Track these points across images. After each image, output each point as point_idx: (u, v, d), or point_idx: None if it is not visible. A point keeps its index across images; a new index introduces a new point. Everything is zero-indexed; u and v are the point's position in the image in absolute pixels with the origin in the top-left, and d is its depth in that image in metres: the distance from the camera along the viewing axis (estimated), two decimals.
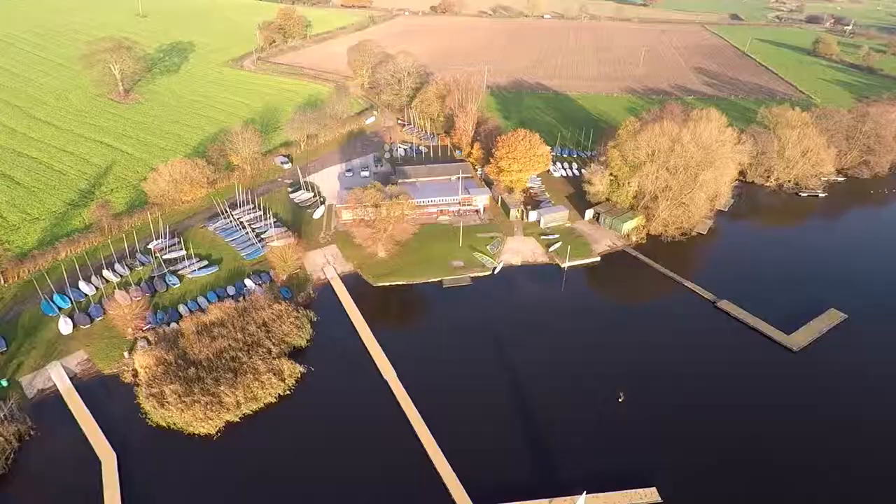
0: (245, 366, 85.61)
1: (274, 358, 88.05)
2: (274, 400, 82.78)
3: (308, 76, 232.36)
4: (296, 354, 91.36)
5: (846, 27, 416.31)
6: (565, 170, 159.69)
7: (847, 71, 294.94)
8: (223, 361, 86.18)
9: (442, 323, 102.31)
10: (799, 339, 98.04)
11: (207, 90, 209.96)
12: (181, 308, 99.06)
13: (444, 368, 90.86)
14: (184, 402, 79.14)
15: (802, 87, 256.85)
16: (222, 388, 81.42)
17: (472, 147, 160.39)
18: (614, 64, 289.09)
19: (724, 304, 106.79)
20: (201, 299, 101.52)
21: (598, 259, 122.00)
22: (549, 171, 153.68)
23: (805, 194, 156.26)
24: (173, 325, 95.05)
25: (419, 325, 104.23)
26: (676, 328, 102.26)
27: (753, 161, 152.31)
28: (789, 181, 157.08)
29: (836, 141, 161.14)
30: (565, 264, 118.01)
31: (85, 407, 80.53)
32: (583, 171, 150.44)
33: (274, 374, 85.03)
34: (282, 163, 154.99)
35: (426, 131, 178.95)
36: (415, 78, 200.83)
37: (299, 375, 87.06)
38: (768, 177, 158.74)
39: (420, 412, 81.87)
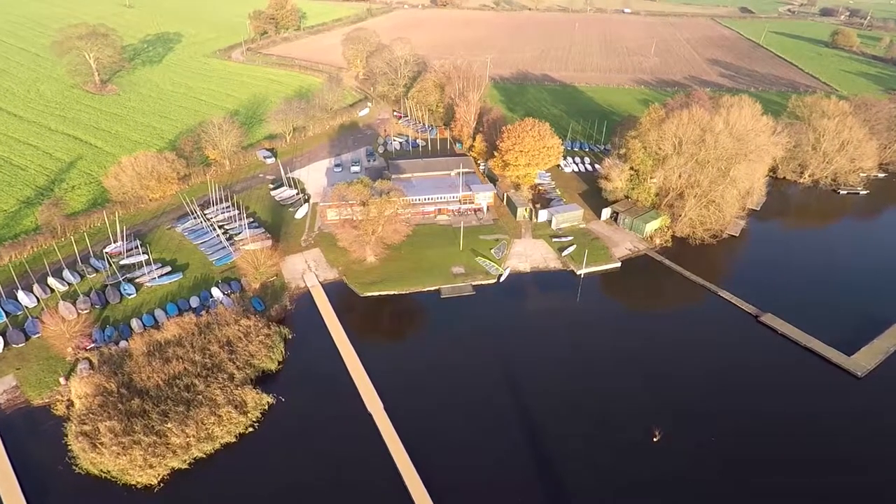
0: (201, 396, 71.12)
1: (236, 386, 73.50)
2: (233, 440, 68.20)
3: (299, 67, 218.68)
4: (264, 380, 77.01)
5: (862, 20, 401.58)
6: (577, 164, 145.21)
7: (870, 63, 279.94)
8: (175, 391, 71.75)
9: (439, 340, 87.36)
10: (862, 361, 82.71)
11: (191, 81, 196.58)
12: (134, 323, 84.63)
13: (440, 398, 76.05)
14: (121, 443, 64.63)
15: (825, 78, 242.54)
16: (170, 425, 66.90)
17: (474, 140, 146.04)
18: (623, 56, 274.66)
19: (769, 319, 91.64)
20: (158, 312, 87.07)
21: (618, 264, 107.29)
22: (559, 166, 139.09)
23: (844, 192, 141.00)
24: (123, 343, 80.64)
25: (412, 344, 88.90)
26: (714, 348, 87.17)
27: (786, 155, 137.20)
28: (826, 177, 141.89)
29: (877, 133, 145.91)
30: (581, 270, 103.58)
31: (3, 447, 66.34)
32: (596, 166, 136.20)
33: (234, 407, 70.41)
34: (264, 157, 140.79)
35: (424, 123, 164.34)
36: (412, 67, 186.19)
37: (266, 407, 72.55)
38: (802, 172, 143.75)
39: (409, 453, 67.58)
